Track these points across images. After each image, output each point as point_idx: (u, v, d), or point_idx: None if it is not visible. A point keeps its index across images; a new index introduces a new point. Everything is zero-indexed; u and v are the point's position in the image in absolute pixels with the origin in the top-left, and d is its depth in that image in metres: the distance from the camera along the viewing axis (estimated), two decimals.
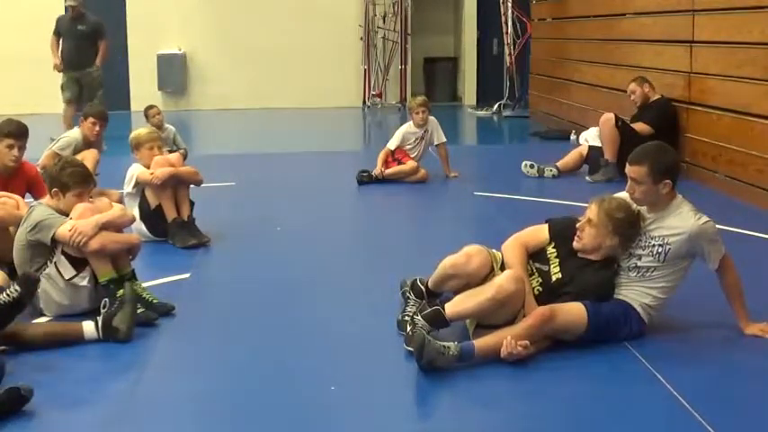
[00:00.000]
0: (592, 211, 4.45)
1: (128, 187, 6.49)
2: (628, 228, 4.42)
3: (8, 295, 4.13)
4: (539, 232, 4.66)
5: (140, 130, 6.85)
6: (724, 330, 4.53)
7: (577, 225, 4.49)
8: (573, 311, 4.27)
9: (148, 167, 6.42)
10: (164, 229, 6.38)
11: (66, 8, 12.07)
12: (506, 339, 4.08)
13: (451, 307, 4.27)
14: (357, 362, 4.19)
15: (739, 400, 3.82)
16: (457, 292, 4.49)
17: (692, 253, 4.40)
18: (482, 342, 4.15)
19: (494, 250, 4.63)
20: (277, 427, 3.61)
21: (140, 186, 6.43)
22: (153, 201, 6.39)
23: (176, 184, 6.41)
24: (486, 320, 4.34)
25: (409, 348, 4.17)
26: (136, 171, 6.45)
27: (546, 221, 4.72)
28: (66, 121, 11.59)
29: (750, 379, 4.04)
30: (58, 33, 11.96)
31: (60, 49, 11.93)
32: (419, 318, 4.26)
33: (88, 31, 11.89)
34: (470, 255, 4.54)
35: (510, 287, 4.21)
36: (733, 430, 3.53)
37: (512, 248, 4.56)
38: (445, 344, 4.06)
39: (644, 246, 4.41)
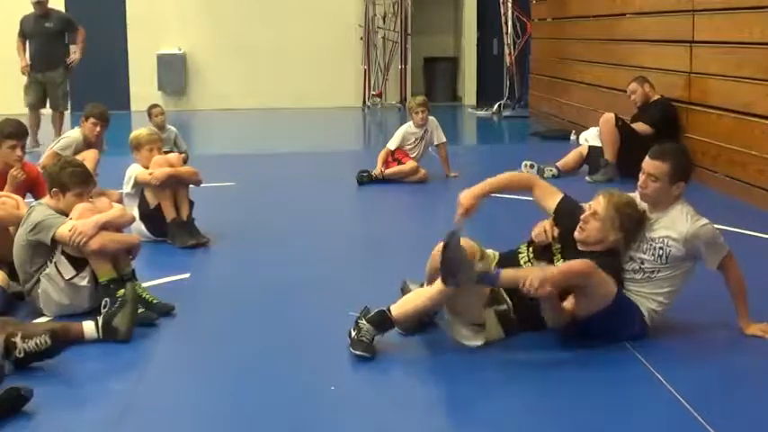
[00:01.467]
0: (599, 204, 4.40)
1: (126, 188, 6.49)
2: (634, 225, 4.39)
3: (37, 345, 4.03)
4: (552, 195, 4.64)
5: (141, 130, 6.85)
6: (725, 331, 4.53)
7: (582, 216, 4.44)
8: (608, 282, 4.21)
9: (147, 168, 6.42)
10: (163, 228, 6.38)
11: (34, 6, 11.34)
12: (534, 275, 4.03)
13: (397, 308, 4.27)
14: (357, 362, 4.18)
15: (740, 402, 3.81)
16: None
17: (692, 254, 4.38)
18: (508, 272, 4.15)
19: (489, 251, 4.62)
20: (277, 427, 3.61)
21: (139, 187, 6.43)
22: (152, 201, 6.39)
23: (175, 185, 6.41)
24: (454, 312, 4.37)
25: (356, 352, 4.17)
26: (134, 171, 6.45)
27: (563, 194, 4.66)
28: (30, 129, 11.24)
29: (751, 380, 4.03)
30: (23, 35, 11.35)
31: (27, 50, 11.34)
32: (363, 322, 4.24)
33: (57, 27, 11.33)
34: None
35: None
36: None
37: (515, 175, 4.71)
38: (472, 261, 4.12)
39: (645, 249, 4.40)
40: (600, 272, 4.17)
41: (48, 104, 11.52)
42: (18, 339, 4.00)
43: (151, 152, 6.53)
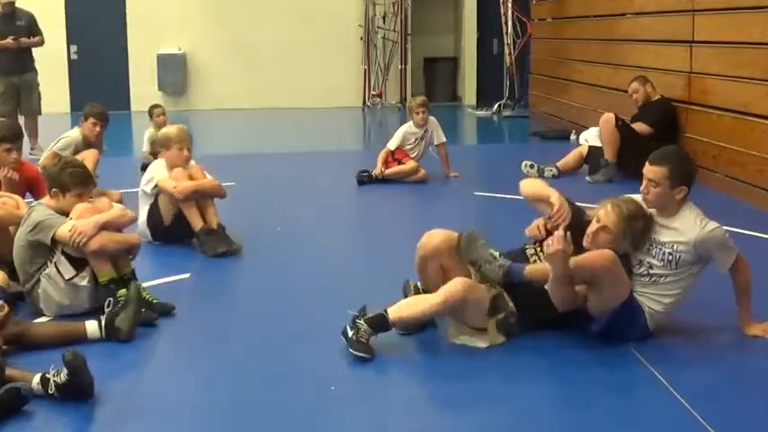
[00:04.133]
0: (609, 218, 4.35)
1: (145, 186, 6.34)
2: (643, 232, 4.39)
3: (58, 376, 3.77)
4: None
5: (170, 127, 6.59)
6: (726, 333, 4.52)
7: (589, 231, 4.40)
8: (625, 281, 4.27)
9: (175, 167, 6.22)
10: (168, 237, 6.31)
11: (3, 6, 10.47)
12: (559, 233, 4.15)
13: (395, 312, 4.26)
14: (356, 362, 4.18)
15: (742, 403, 3.81)
16: (443, 281, 4.46)
17: (703, 258, 4.36)
18: (531, 268, 4.29)
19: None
20: (277, 427, 3.61)
21: (157, 190, 6.26)
22: (167, 216, 6.22)
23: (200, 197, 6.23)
24: (457, 319, 4.40)
25: (357, 353, 4.17)
26: (158, 175, 6.23)
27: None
28: None
29: (752, 381, 4.03)
30: None
31: None
32: (362, 322, 4.23)
33: (26, 25, 10.58)
34: (431, 233, 4.62)
35: (458, 290, 4.19)
36: None
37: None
38: (494, 252, 4.28)
39: (655, 254, 4.37)
40: (620, 268, 4.20)
41: (20, 110, 10.69)
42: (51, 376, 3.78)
43: (181, 151, 6.27)
